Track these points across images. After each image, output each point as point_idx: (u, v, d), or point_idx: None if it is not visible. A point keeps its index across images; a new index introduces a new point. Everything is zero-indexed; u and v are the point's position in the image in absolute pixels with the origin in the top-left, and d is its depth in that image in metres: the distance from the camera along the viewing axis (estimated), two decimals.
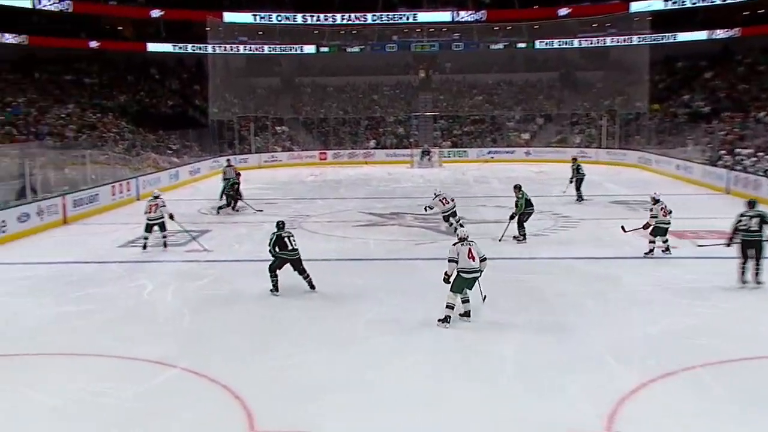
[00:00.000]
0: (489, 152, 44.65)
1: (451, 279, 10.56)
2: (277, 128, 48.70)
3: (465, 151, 45.18)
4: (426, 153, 41.46)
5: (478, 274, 10.59)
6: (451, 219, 18.41)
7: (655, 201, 15.18)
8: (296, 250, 12.51)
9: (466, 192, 27.91)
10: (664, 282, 13.24)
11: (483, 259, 10.69)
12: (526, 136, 47.11)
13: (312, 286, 12.60)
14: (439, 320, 10.52)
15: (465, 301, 10.74)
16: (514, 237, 17.35)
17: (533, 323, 10.96)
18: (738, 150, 28.67)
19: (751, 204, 13.09)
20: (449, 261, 10.64)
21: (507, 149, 45.26)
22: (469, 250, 10.61)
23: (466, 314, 10.70)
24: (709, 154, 30.63)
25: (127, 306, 12.19)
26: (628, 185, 29.39)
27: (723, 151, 29.55)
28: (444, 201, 18.55)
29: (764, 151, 26.78)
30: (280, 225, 12.58)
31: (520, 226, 17.48)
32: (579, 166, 24.66)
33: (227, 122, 45.20)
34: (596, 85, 50.12)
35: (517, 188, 17.79)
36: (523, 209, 17.44)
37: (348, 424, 7.52)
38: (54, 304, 12.22)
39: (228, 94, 48.36)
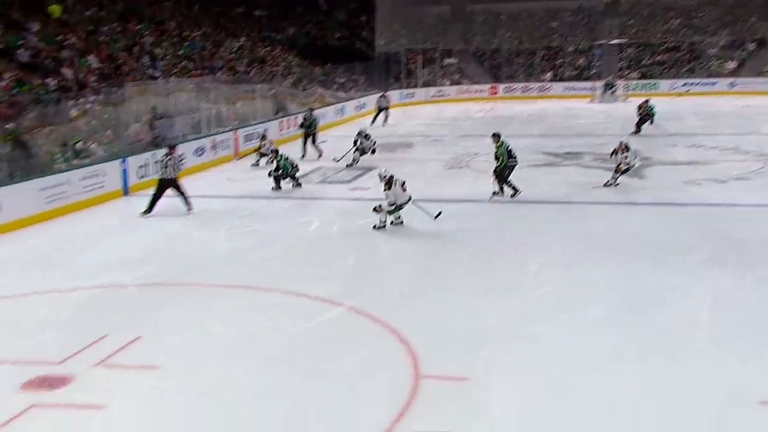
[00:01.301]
0: (684, 84, 41.48)
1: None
2: (446, 60, 48.67)
3: (655, 84, 42.08)
4: (609, 86, 39.59)
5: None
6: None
7: None
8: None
9: (655, 131, 26.45)
10: None
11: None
12: (732, 64, 43.30)
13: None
14: (374, 227, 13.51)
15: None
16: (494, 193, 16.25)
17: (731, 277, 10.49)
18: None
19: None
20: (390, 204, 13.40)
21: (707, 80, 41.78)
22: (402, 184, 13.56)
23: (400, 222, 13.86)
24: None
25: (294, 243, 13.14)
26: None
27: None
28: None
29: None
30: None
31: (503, 180, 16.31)
32: None
33: (394, 54, 46.06)
34: None
35: (496, 137, 16.47)
36: (505, 162, 16.14)
37: (513, 377, 7.67)
38: (226, 238, 13.39)
39: (395, 25, 49.19)
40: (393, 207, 13.43)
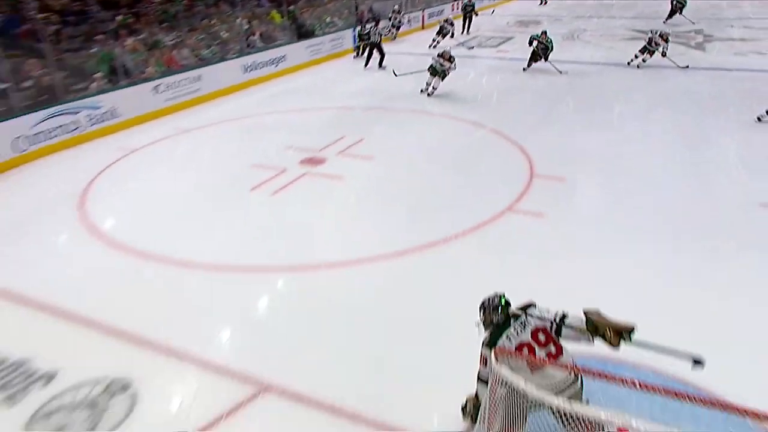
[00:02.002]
0: None
1: None
2: None
3: None
4: None
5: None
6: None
7: None
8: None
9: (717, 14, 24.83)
10: None
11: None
12: None
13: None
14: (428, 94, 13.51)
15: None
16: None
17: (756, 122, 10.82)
18: None
19: None
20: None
21: None
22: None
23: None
24: None
25: (457, 86, 14.04)
26: None
27: None
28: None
29: None
30: None
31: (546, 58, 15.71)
32: None
33: None
34: None
35: (544, 33, 15.75)
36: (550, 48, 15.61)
37: (598, 181, 8.48)
38: (415, 83, 14.21)
39: None
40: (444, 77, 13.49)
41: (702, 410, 3.03)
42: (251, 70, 15.24)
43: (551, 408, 3.14)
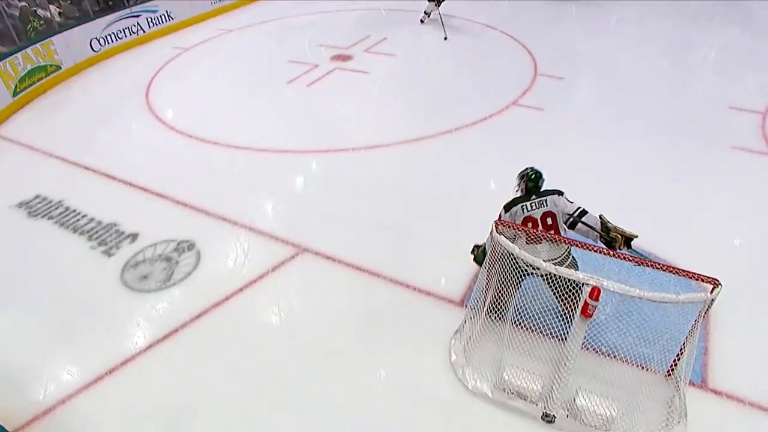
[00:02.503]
0: None
1: None
2: None
3: None
4: None
5: None
6: None
7: None
8: None
9: None
10: None
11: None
12: None
13: None
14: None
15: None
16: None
17: (732, 32, 10.20)
18: None
19: None
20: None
21: None
22: None
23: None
24: None
25: None
26: None
27: None
28: None
29: None
30: None
31: None
32: None
33: None
34: None
35: None
36: None
37: (592, 81, 8.23)
38: None
39: None
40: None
41: (658, 274, 3.20)
42: None
43: (541, 273, 3.37)
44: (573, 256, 3.72)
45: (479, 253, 3.95)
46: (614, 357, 3.67)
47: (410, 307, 4.24)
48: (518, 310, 3.80)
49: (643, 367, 3.57)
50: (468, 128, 6.79)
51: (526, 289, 3.82)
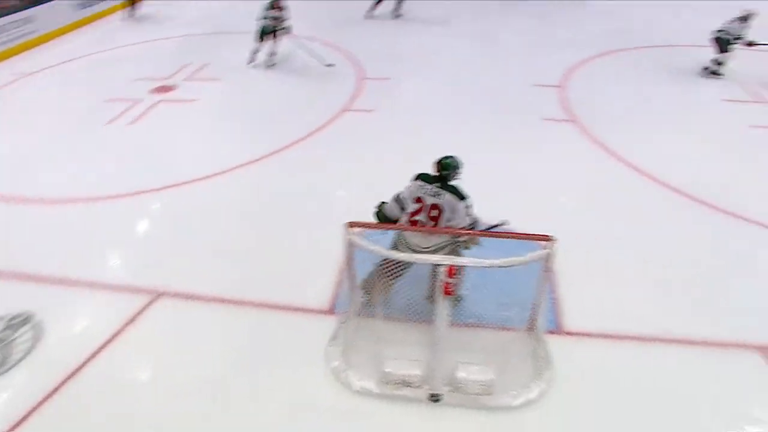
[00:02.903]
0: None
1: None
2: None
3: None
4: None
5: None
6: None
7: None
8: None
9: None
10: None
11: None
12: None
13: None
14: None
15: None
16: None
17: (537, 31, 11.81)
18: None
19: None
20: None
21: None
22: None
23: None
24: None
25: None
26: None
27: None
28: None
29: None
30: None
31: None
32: None
33: None
34: None
35: None
36: None
37: (417, 80, 8.79)
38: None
39: None
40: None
41: (505, 242, 3.51)
42: (86, 7, 13.29)
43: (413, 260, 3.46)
44: (458, 247, 3.82)
45: (380, 213, 3.96)
46: (481, 326, 3.97)
47: (282, 326, 4.18)
48: (386, 304, 3.95)
49: (507, 329, 3.93)
50: (306, 140, 6.87)
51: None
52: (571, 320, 4.12)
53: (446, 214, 3.70)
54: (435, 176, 3.75)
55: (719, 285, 4.59)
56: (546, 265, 3.50)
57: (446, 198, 3.69)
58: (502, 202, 5.03)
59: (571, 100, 7.84)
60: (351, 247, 3.56)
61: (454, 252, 3.75)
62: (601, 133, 6.92)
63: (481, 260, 3.31)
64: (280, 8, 9.03)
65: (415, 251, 3.73)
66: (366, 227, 3.69)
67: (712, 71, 8.80)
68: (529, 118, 7.30)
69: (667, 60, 9.61)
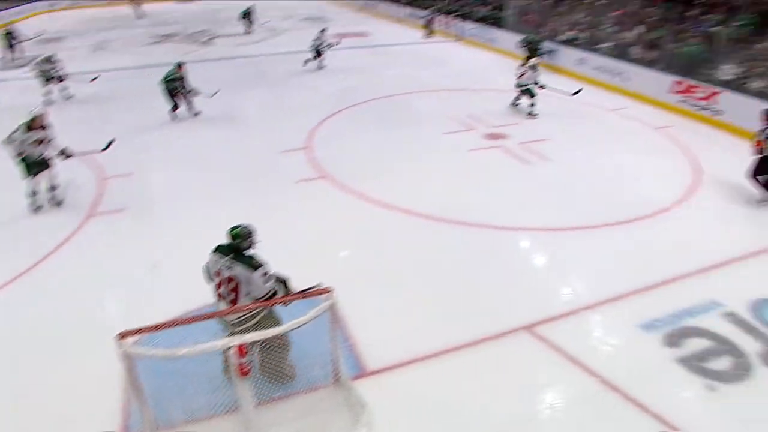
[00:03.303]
0: None
1: None
2: None
3: None
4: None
5: None
6: None
7: None
8: None
9: (213, 17, 25.95)
10: None
11: None
12: None
13: None
14: None
15: None
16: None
17: (267, 90, 12.49)
18: None
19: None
20: None
21: None
22: None
23: None
24: None
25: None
26: None
27: None
28: None
29: None
30: None
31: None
32: None
33: None
34: None
35: None
36: None
37: (169, 173, 8.49)
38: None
39: None
40: None
41: (292, 306, 3.56)
42: None
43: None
44: (272, 312, 3.77)
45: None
46: (290, 395, 3.92)
47: None
48: (184, 408, 3.66)
49: (316, 389, 3.96)
50: (54, 254, 6.02)
51: (161, 390, 3.62)
52: (371, 360, 4.31)
53: (243, 286, 3.67)
54: (229, 247, 3.75)
55: (479, 284, 5.32)
56: (332, 315, 3.63)
57: (238, 270, 3.67)
58: (279, 265, 5.11)
59: (318, 159, 8.40)
60: (129, 360, 3.22)
61: (266, 321, 3.69)
62: (352, 182, 7.53)
63: (266, 331, 3.32)
64: (43, 127, 6.98)
65: (227, 325, 3.69)
66: (141, 333, 3.38)
67: (530, 113, 10.53)
68: (283, 182, 7.63)
69: (391, 108, 11.07)
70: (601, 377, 4.13)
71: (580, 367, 4.24)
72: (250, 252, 3.78)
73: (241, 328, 3.62)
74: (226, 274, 3.70)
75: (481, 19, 18.97)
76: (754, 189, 7.13)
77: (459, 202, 7.02)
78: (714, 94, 10.36)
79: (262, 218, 6.49)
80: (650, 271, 5.50)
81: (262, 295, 3.68)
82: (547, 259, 5.94)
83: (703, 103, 10.58)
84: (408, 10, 23.98)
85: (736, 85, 10.28)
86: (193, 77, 10.97)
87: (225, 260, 3.72)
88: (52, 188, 7.21)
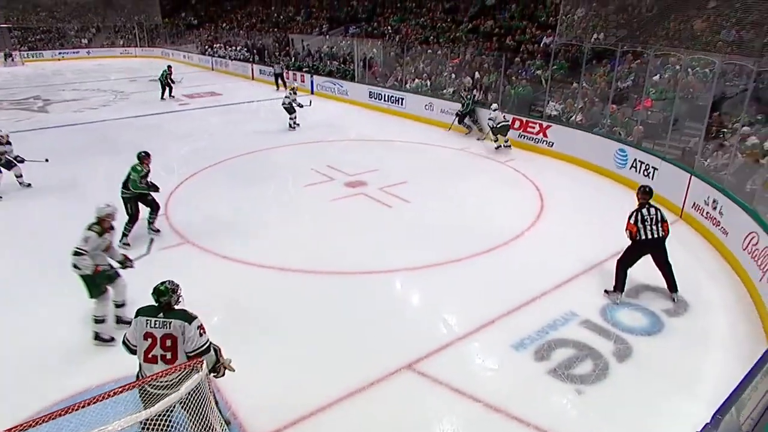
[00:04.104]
0: (60, 53, 35.69)
1: None
2: None
3: (41, 53, 35.22)
4: (8, 56, 31.99)
5: None
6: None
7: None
8: None
9: (46, 81, 24.88)
10: None
11: None
12: (84, 41, 38.56)
13: None
14: None
15: None
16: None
17: (112, 159, 11.26)
18: (215, 46, 30.06)
19: None
20: None
21: (72, 50, 36.83)
22: None
23: None
24: (200, 48, 31.86)
25: None
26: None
27: (207, 47, 30.95)
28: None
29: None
30: None
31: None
32: None
33: None
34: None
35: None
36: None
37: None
38: None
39: None
40: None
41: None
42: None
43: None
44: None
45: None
46: None
47: None
48: None
49: None
50: None
51: None
52: (258, 424, 4.14)
53: (181, 341, 3.55)
54: (156, 307, 3.62)
55: (359, 329, 5.39)
56: (209, 385, 3.44)
57: (175, 325, 3.55)
58: None
59: (178, 223, 8.03)
60: None
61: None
62: (215, 246, 7.27)
63: (137, 415, 2.99)
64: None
65: (143, 393, 3.44)
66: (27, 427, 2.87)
67: (505, 145, 12.00)
68: (142, 252, 7.14)
69: (250, 165, 11.02)
70: (483, 401, 4.35)
71: (462, 395, 4.44)
72: (179, 306, 3.68)
73: (168, 391, 3.28)
74: (160, 333, 3.54)
75: (330, 73, 20.13)
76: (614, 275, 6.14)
77: (328, 251, 7.11)
78: (546, 127, 11.78)
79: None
80: (514, 293, 5.97)
81: (197, 348, 3.55)
82: (420, 297, 6.19)
83: (538, 136, 11.96)
84: (259, 66, 24.44)
85: (561, 119, 11.81)
86: (28, 146, 9.88)
87: (155, 320, 3.57)
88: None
